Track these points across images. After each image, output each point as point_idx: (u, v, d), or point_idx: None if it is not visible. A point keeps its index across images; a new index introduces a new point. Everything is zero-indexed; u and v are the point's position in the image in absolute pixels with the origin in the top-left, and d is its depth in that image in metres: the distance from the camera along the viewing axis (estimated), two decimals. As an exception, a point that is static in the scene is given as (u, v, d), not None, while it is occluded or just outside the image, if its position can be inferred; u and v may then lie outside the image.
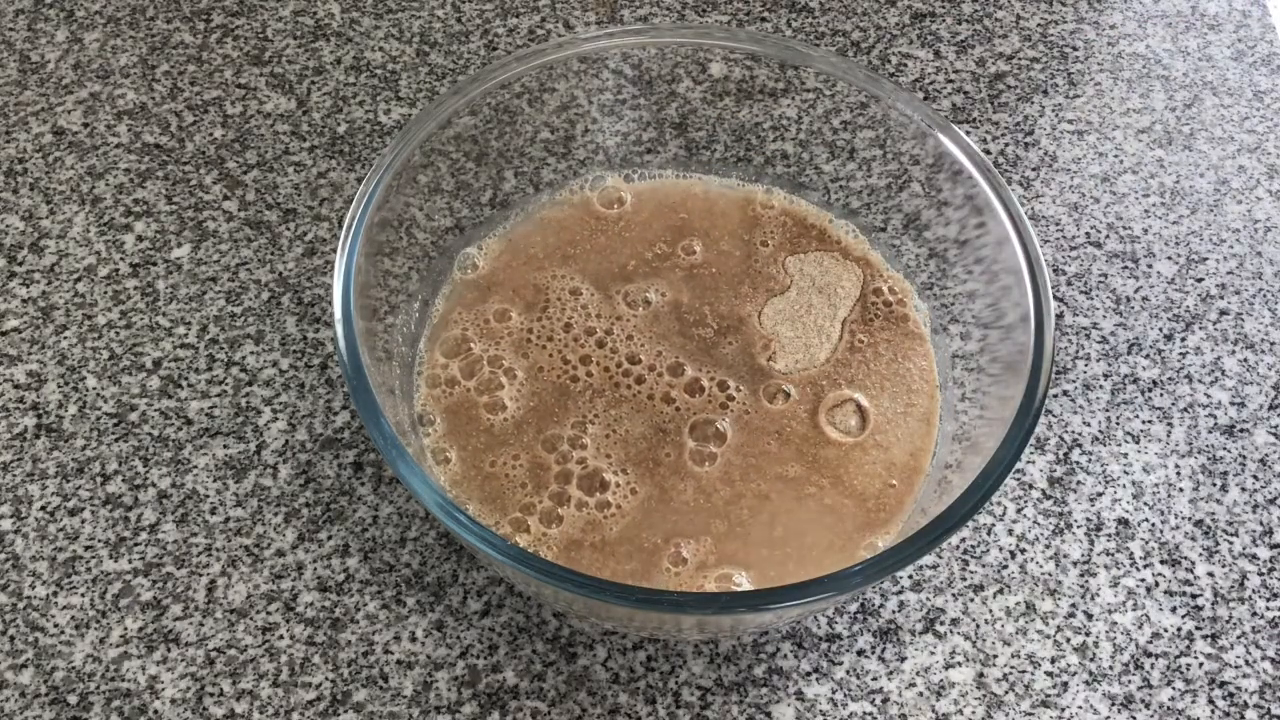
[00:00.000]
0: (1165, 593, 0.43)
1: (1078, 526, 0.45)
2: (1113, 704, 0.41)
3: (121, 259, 0.52)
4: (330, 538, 0.44)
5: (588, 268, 0.47)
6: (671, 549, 0.40)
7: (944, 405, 0.44)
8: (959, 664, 0.41)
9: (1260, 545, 0.45)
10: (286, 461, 0.46)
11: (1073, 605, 0.43)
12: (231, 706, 0.40)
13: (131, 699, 0.40)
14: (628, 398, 0.43)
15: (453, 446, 0.43)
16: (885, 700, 0.41)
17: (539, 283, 0.47)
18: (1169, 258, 0.53)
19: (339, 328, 0.38)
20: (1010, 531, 0.45)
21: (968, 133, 0.57)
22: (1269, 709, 0.41)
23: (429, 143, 0.45)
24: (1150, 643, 0.42)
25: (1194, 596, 0.43)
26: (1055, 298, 0.51)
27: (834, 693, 0.41)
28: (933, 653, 0.42)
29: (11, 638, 0.41)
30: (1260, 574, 0.44)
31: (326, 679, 0.41)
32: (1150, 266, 0.53)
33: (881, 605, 0.43)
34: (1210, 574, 0.44)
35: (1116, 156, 0.57)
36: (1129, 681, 0.41)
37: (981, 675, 0.41)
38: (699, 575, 0.40)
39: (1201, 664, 0.42)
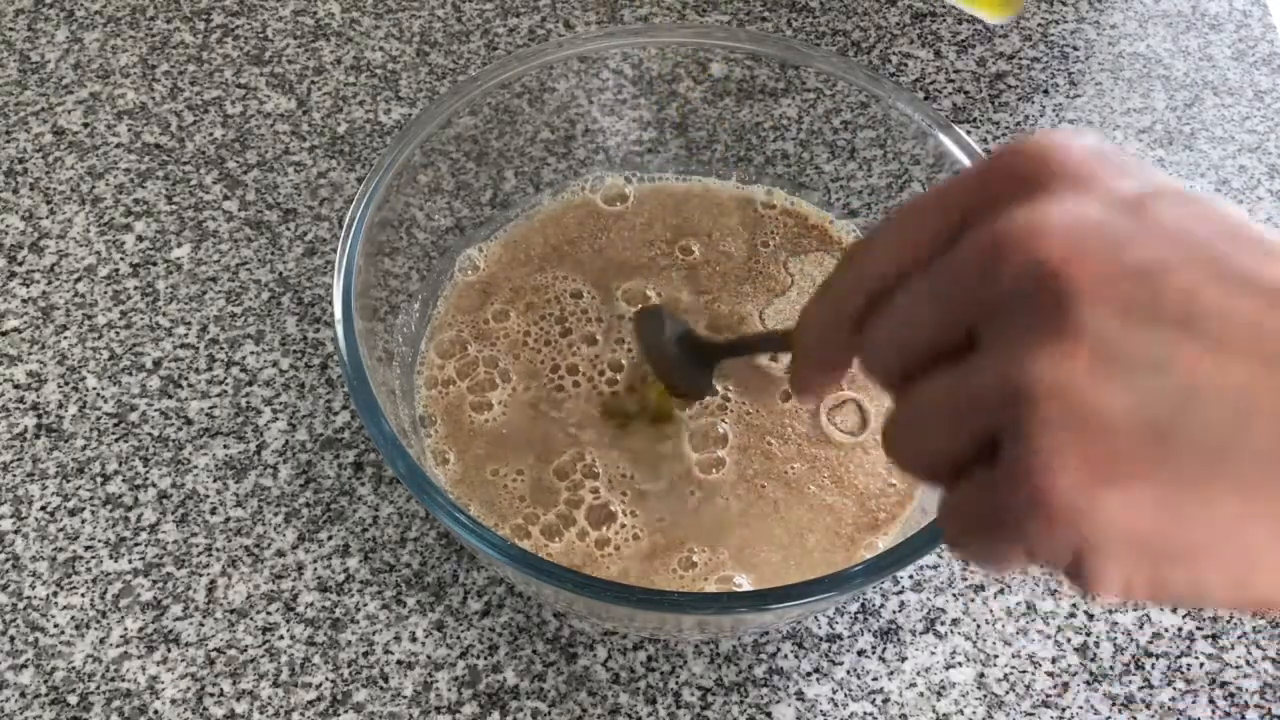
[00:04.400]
0: (1166, 593, 0.43)
1: (1078, 526, 0.45)
2: (1114, 704, 0.41)
3: (121, 259, 0.52)
4: (330, 538, 0.44)
5: (588, 270, 0.47)
6: (683, 552, 0.40)
7: (945, 405, 0.44)
8: (960, 664, 0.41)
9: (1261, 545, 0.45)
10: (286, 461, 0.46)
11: (1073, 605, 0.43)
12: (232, 707, 0.40)
13: (131, 699, 0.40)
14: (625, 404, 0.43)
15: (452, 449, 0.43)
16: (886, 700, 0.41)
17: (539, 284, 0.47)
18: (1169, 258, 0.53)
19: (339, 328, 0.38)
20: (1011, 531, 0.45)
21: (968, 132, 0.57)
22: (1270, 709, 0.41)
23: (429, 143, 0.44)
24: (1151, 643, 0.42)
25: (1195, 596, 0.43)
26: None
27: (834, 693, 0.41)
28: (933, 653, 0.42)
29: (11, 638, 0.41)
30: (1261, 574, 0.44)
31: (327, 679, 0.41)
32: (1151, 266, 0.53)
33: (882, 605, 0.43)
34: (1211, 574, 0.44)
35: (1117, 156, 0.57)
36: (1130, 681, 0.41)
37: (982, 675, 0.41)
38: (700, 576, 0.40)
39: (1202, 664, 0.42)
